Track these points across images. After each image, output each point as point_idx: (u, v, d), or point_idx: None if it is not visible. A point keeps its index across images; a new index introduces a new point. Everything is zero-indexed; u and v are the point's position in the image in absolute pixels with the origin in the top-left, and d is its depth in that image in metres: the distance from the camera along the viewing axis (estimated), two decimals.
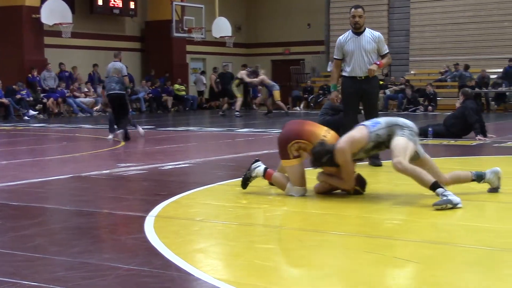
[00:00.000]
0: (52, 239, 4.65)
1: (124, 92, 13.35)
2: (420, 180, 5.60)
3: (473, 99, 13.04)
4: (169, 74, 26.61)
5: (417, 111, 23.14)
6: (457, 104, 12.45)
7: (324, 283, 3.58)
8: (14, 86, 21.17)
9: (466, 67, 23.72)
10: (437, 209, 5.32)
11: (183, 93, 26.82)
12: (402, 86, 24.79)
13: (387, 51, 8.25)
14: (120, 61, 18.61)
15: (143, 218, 5.13)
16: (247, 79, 22.26)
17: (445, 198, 5.40)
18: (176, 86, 26.55)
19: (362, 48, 8.05)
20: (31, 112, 21.08)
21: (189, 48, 27.90)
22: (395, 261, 3.99)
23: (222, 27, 27.13)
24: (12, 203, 5.96)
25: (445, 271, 3.72)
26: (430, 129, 12.16)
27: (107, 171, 7.98)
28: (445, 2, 26.69)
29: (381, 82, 23.21)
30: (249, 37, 31.69)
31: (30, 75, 22.11)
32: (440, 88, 24.79)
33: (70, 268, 3.83)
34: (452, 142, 11.56)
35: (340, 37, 8.31)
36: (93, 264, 3.88)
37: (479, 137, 11.76)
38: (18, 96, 21.13)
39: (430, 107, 23.02)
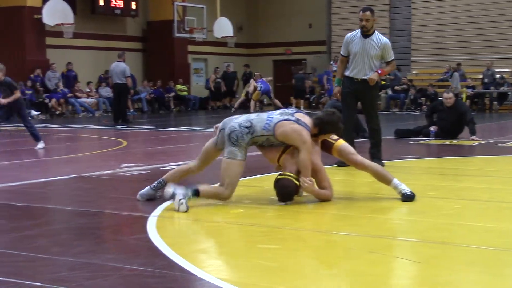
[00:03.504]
0: (54, 239, 4.65)
1: None
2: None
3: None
4: (171, 74, 26.67)
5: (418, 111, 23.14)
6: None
7: (327, 283, 3.58)
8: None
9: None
10: None
11: (185, 93, 26.84)
12: (404, 86, 24.79)
13: (392, 58, 8.12)
14: (123, 61, 18.72)
15: (145, 218, 5.13)
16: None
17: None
18: (178, 86, 26.57)
19: (366, 52, 7.96)
20: (34, 112, 21.09)
21: (190, 48, 27.91)
22: (398, 261, 4.00)
23: (223, 27, 27.14)
24: (14, 203, 5.96)
25: (447, 271, 3.72)
26: (432, 129, 12.13)
27: (110, 172, 7.98)
28: (446, 2, 26.69)
29: (383, 82, 23.23)
30: (251, 37, 31.69)
31: (32, 75, 22.13)
32: (442, 88, 24.78)
33: (73, 268, 3.83)
34: (454, 142, 11.55)
35: (349, 34, 8.24)
36: (96, 264, 3.89)
37: (473, 137, 11.65)
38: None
39: None
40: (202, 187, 5.69)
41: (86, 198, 6.30)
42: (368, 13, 7.99)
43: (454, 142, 11.55)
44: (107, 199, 6.30)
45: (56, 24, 22.06)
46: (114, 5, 25.29)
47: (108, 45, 25.49)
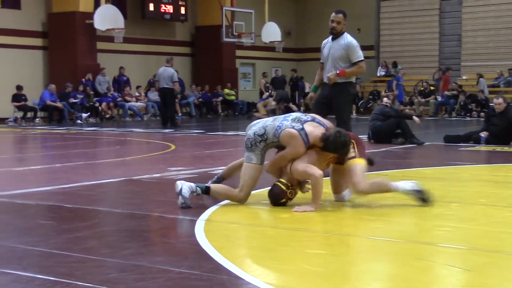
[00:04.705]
0: (104, 241, 4.73)
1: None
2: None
3: None
4: (219, 79, 26.82)
5: (469, 117, 22.81)
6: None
7: None
8: (67, 90, 21.62)
9: None
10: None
11: (233, 97, 26.97)
12: (454, 92, 24.47)
13: (359, 59, 7.83)
14: (171, 66, 18.93)
15: (193, 222, 5.18)
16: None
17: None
18: (226, 90, 26.71)
19: (332, 55, 7.84)
20: (83, 115, 21.47)
21: (238, 53, 28.03)
22: (446, 268, 3.95)
23: (271, 32, 27.19)
24: (66, 205, 6.08)
25: (498, 280, 3.67)
26: (482, 135, 11.94)
27: (158, 175, 8.07)
28: (498, 6, 26.25)
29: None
30: (299, 41, 31.66)
31: (83, 79, 22.53)
32: (493, 94, 24.39)
33: (122, 270, 3.89)
34: (506, 148, 11.35)
35: (324, 40, 8.16)
36: (145, 266, 3.94)
37: None
38: (72, 100, 21.57)
39: (482, 113, 22.65)
40: (214, 186, 6.02)
41: (135, 201, 6.39)
42: (340, 15, 7.85)
43: (506, 148, 11.34)
44: (156, 202, 6.37)
45: (107, 29, 22.42)
46: (163, 10, 25.58)
47: (157, 50, 25.78)
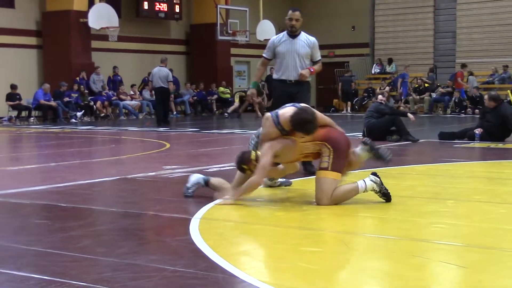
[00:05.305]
0: (99, 240, 4.72)
1: None
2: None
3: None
4: (214, 77, 26.82)
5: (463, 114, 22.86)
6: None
7: (369, 287, 3.56)
8: (62, 89, 21.58)
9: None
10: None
11: (228, 96, 26.96)
12: (449, 89, 24.50)
13: (320, 58, 8.03)
14: (165, 66, 18.94)
15: (188, 220, 5.17)
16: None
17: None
18: (221, 88, 26.70)
19: (296, 52, 7.81)
20: (78, 114, 21.42)
21: (233, 51, 28.02)
22: (442, 265, 3.95)
23: (266, 30, 27.17)
24: (60, 204, 6.07)
25: (493, 276, 3.67)
26: (477, 132, 11.96)
27: (153, 173, 8.06)
28: (492, 3, 26.28)
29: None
30: None
31: (78, 78, 22.50)
32: (487, 91, 24.44)
33: (117, 269, 3.88)
34: (500, 145, 11.37)
35: (274, 37, 8.14)
36: (139, 265, 3.93)
37: None
38: (66, 99, 21.53)
39: (477, 110, 22.70)
40: (213, 179, 6.28)
41: (130, 200, 6.38)
42: (297, 13, 7.93)
43: (500, 145, 11.36)
44: (151, 201, 6.36)
45: (102, 28, 22.38)
46: (158, 9, 25.55)
47: (152, 48, 25.76)
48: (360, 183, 5.75)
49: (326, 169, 5.71)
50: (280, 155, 5.80)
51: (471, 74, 24.50)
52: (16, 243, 4.54)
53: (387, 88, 24.14)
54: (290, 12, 7.97)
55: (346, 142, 5.87)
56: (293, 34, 7.91)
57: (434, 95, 24.82)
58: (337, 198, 5.72)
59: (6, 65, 22.08)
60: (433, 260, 4.05)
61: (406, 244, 4.46)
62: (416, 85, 25.86)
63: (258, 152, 5.86)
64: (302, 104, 6.03)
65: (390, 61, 27.87)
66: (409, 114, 13.30)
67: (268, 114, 5.99)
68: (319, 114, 5.91)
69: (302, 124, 5.63)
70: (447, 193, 6.44)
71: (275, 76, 8.06)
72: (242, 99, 24.63)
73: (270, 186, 6.66)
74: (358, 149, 5.99)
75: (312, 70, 7.87)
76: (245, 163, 5.88)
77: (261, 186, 6.28)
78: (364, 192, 5.74)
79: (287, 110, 5.84)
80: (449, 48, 27.11)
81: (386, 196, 5.80)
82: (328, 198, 5.68)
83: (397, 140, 12.13)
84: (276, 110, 5.97)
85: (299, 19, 7.92)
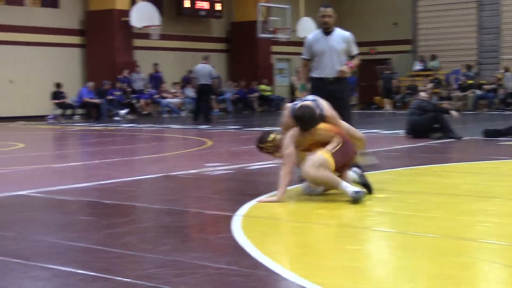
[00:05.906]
0: (142, 237, 4.77)
1: None
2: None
3: None
4: (255, 75, 26.85)
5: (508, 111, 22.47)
6: None
7: (411, 286, 3.52)
8: (105, 87, 21.86)
9: None
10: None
11: (269, 93, 26.97)
12: (493, 86, 24.11)
13: (357, 52, 7.84)
14: (208, 63, 19.06)
15: (230, 218, 5.19)
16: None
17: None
18: (262, 86, 26.73)
19: (333, 49, 7.66)
20: (121, 112, 21.64)
21: (274, 48, 28.01)
22: (487, 264, 3.89)
23: (307, 27, 27.06)
24: (104, 201, 6.15)
25: None
26: None
27: (195, 171, 8.11)
28: None
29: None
30: None
31: (120, 76, 22.75)
32: None
33: (161, 265, 3.91)
34: None
35: (309, 36, 7.97)
36: (183, 262, 3.96)
37: None
38: (110, 97, 21.79)
39: None
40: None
41: (172, 197, 6.43)
42: (329, 9, 7.71)
43: None
44: (193, 198, 6.40)
45: (144, 26, 22.58)
46: (199, 7, 25.70)
47: (193, 46, 25.90)
48: (344, 183, 5.85)
49: (326, 150, 5.95)
50: (299, 144, 6.07)
51: (507, 70, 24.09)
52: (61, 239, 4.62)
53: (430, 85, 23.85)
54: (321, 9, 7.77)
55: (353, 150, 6.19)
56: (327, 31, 7.82)
57: (477, 92, 24.44)
58: (319, 175, 5.79)
59: (51, 64, 22.46)
60: (479, 259, 4.00)
61: (451, 242, 4.40)
62: (460, 82, 25.52)
63: (278, 136, 6.25)
64: (320, 102, 6.29)
65: (433, 58, 27.55)
66: (452, 111, 13.13)
67: (289, 104, 6.33)
68: (332, 117, 6.22)
69: (297, 120, 6.00)
70: (492, 192, 6.34)
71: (314, 74, 7.98)
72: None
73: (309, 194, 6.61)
74: (351, 172, 6.18)
75: (351, 65, 7.73)
76: (262, 142, 6.37)
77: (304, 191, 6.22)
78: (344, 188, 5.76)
79: (303, 103, 6.17)
80: (493, 44, 26.66)
81: (366, 186, 6.03)
82: (314, 167, 5.80)
83: (440, 138, 11.98)
84: (298, 102, 6.29)
85: (332, 15, 7.74)
